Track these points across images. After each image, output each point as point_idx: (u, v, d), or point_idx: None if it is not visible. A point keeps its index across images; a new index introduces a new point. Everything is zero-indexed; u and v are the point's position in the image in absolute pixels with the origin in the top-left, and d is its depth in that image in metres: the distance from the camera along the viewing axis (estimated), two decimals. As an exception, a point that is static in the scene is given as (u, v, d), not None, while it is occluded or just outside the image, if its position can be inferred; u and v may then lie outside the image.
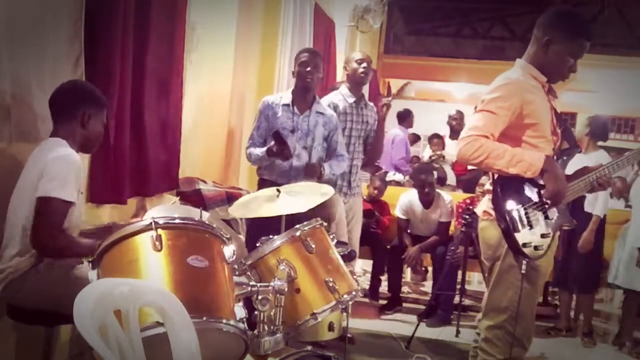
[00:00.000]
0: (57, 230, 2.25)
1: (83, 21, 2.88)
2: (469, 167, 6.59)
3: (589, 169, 2.56)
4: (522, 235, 2.38)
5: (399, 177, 7.04)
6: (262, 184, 3.68)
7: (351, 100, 4.14)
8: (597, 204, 4.48)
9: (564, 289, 4.87)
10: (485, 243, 2.59)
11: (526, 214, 2.40)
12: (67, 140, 2.40)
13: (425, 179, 5.08)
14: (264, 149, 3.59)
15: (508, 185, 2.40)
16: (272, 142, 3.50)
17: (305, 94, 3.75)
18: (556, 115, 2.57)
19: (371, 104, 4.35)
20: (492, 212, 2.48)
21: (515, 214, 2.38)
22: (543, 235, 2.42)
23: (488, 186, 2.62)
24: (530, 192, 2.42)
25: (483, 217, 2.59)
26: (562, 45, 2.47)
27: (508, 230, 2.38)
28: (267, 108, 3.73)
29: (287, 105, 3.72)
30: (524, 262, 2.41)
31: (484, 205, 2.62)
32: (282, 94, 3.85)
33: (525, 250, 2.38)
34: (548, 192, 2.39)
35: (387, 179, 6.86)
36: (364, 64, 4.13)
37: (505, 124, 2.41)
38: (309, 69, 3.70)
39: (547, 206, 2.43)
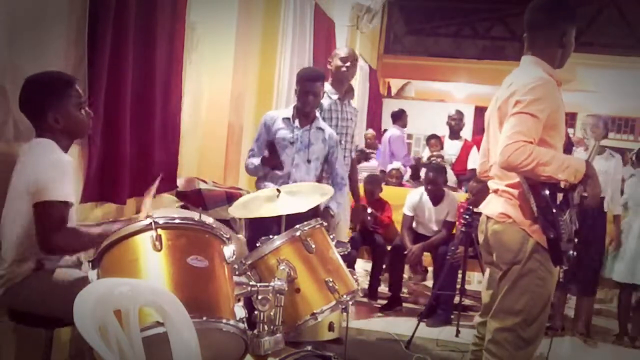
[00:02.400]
0: (62, 230, 2.23)
1: (87, 21, 2.88)
2: (469, 167, 6.61)
3: None
4: (565, 244, 2.33)
5: (396, 164, 7.07)
6: None
7: (335, 97, 4.15)
8: (613, 203, 4.62)
9: (560, 289, 4.88)
10: (503, 247, 2.47)
11: (566, 221, 2.34)
12: (52, 139, 2.33)
13: (434, 177, 5.13)
14: (259, 158, 3.64)
15: (554, 192, 2.32)
16: (266, 152, 3.58)
17: (309, 114, 3.75)
18: None
19: (353, 103, 4.36)
20: (512, 215, 2.41)
21: (562, 223, 2.31)
22: (569, 241, 2.37)
23: (494, 185, 2.54)
24: (566, 199, 2.36)
25: (499, 219, 2.47)
26: (570, 33, 2.47)
27: (556, 240, 2.31)
28: (268, 120, 3.74)
29: (287, 118, 3.71)
30: (561, 270, 2.38)
31: (498, 207, 2.49)
32: (284, 110, 3.89)
33: (564, 258, 2.35)
34: (590, 198, 2.34)
35: (387, 168, 6.89)
36: (348, 63, 4.14)
37: (542, 127, 2.34)
38: (311, 97, 3.65)
39: (572, 211, 2.38)
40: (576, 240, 2.39)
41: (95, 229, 2.26)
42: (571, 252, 2.35)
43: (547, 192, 2.30)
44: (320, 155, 3.76)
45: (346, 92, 4.29)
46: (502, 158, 2.29)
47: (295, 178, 3.62)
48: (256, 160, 3.67)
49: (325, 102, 4.08)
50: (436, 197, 5.15)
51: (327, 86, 4.15)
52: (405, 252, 5.09)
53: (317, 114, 3.85)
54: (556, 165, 2.25)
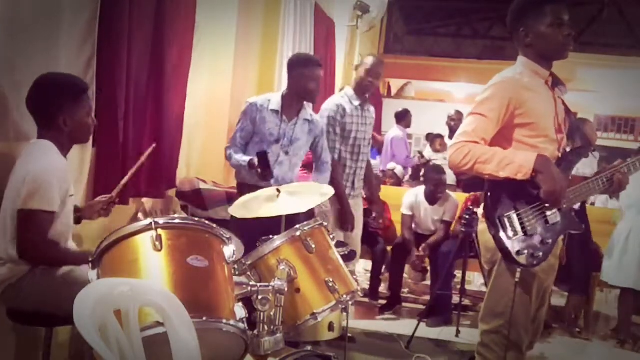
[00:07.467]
0: (42, 241, 2.25)
1: (98, 21, 2.86)
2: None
3: (605, 168, 2.49)
4: (516, 243, 2.31)
5: (397, 169, 7.05)
6: (242, 188, 3.54)
7: (357, 103, 4.11)
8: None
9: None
10: (484, 246, 2.52)
11: (520, 219, 2.32)
12: (54, 141, 2.34)
13: (439, 178, 5.15)
14: (247, 159, 3.46)
15: (500, 190, 2.33)
16: (256, 160, 3.36)
17: (298, 103, 3.65)
18: (567, 111, 2.48)
19: (372, 107, 4.34)
20: None
21: (506, 221, 2.31)
22: (542, 242, 2.33)
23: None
24: (529, 196, 2.33)
25: (482, 220, 2.49)
26: (537, 24, 2.39)
27: (498, 237, 2.32)
28: (254, 111, 3.59)
29: (276, 111, 3.59)
30: (518, 270, 2.33)
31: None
32: (270, 97, 3.68)
33: (520, 258, 2.30)
34: (543, 193, 2.29)
35: (388, 168, 6.88)
36: (370, 78, 4.06)
37: (498, 125, 2.33)
38: (315, 84, 3.58)
39: (546, 210, 2.35)
40: (549, 241, 2.35)
41: (75, 252, 2.36)
42: (527, 251, 2.30)
43: (489, 189, 2.35)
44: (305, 148, 3.72)
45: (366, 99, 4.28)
46: (448, 159, 2.37)
47: (276, 175, 3.52)
48: (240, 157, 3.50)
49: (347, 106, 4.04)
50: (434, 198, 5.15)
51: (350, 91, 4.14)
52: (414, 253, 5.08)
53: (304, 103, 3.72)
54: (495, 163, 2.26)
